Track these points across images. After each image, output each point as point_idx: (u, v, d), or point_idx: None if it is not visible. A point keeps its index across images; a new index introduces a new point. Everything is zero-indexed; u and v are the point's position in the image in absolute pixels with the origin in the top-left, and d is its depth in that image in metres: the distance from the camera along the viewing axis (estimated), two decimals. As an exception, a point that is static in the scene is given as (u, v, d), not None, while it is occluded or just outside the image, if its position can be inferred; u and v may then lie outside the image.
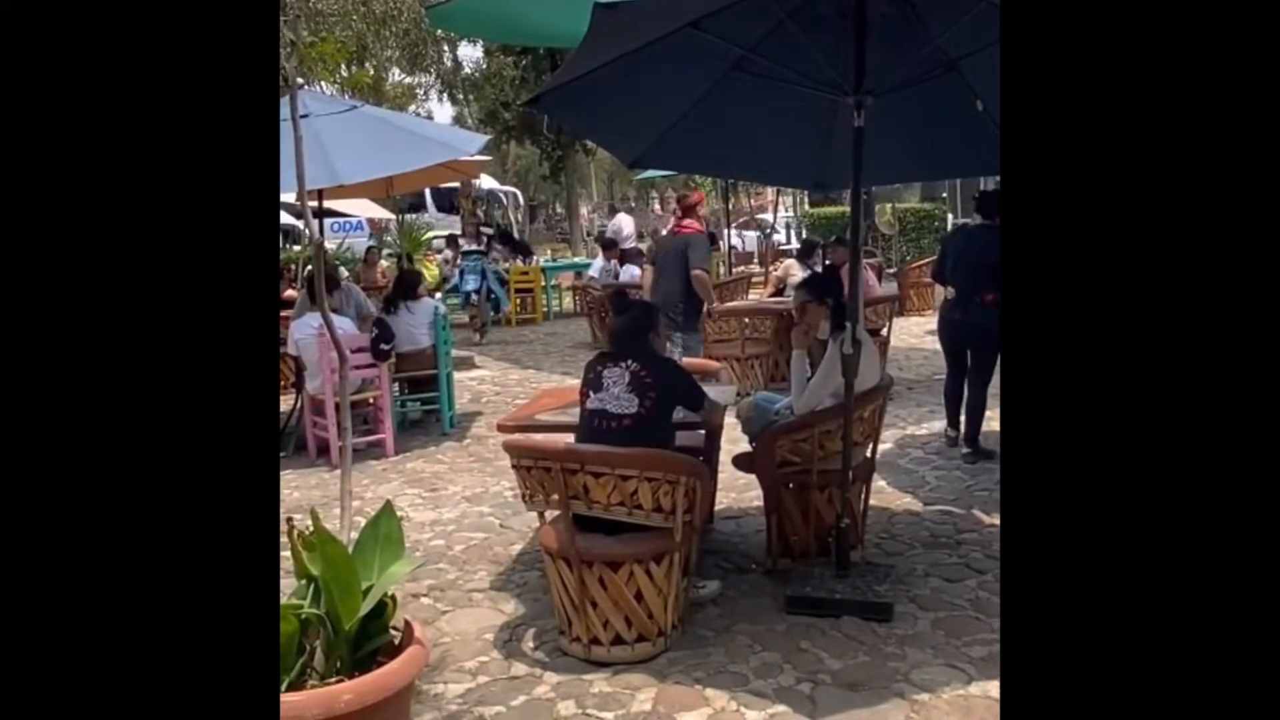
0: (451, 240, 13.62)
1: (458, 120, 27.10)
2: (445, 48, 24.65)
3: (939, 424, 6.24)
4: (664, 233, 7.24)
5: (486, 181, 16.88)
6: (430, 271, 13.32)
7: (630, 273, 10.79)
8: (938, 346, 9.39)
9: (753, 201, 26.25)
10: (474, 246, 11.98)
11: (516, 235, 17.70)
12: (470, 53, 25.99)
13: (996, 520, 4.34)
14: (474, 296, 11.41)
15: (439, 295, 10.65)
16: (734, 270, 13.56)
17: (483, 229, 13.86)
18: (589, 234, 25.17)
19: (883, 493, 4.74)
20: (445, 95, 27.31)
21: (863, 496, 3.98)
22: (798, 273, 8.21)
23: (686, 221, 5.99)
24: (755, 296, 10.30)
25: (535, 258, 14.29)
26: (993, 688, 2.86)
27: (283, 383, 7.09)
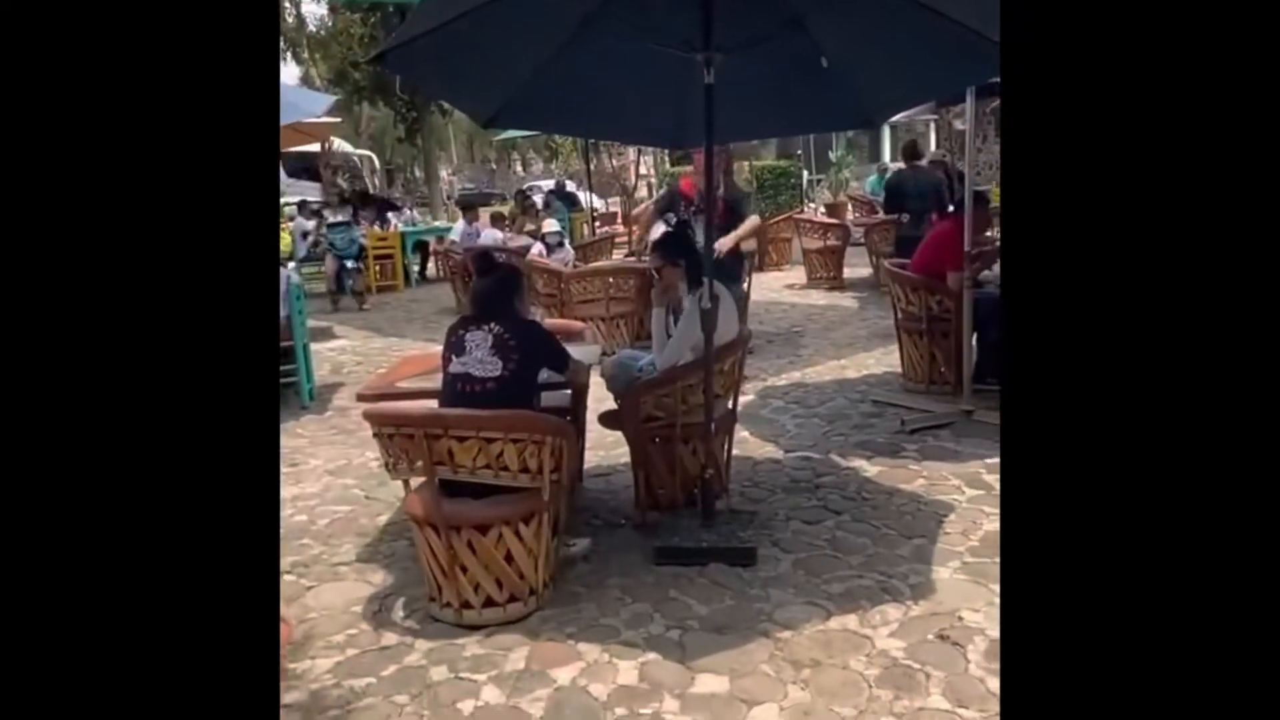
0: (302, 206, 13.04)
1: (304, 81, 25.90)
2: (287, 4, 23.42)
3: (798, 374, 6.48)
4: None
5: (338, 145, 16.18)
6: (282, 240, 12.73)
7: (492, 235, 10.65)
8: (795, 300, 9.75)
9: (614, 162, 26.21)
10: (340, 217, 11.48)
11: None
12: (315, 10, 24.80)
13: (852, 464, 4.55)
14: (350, 265, 11.04)
15: (292, 265, 10.21)
16: (596, 231, 13.56)
17: (346, 196, 13.24)
18: (449, 197, 24.61)
19: (745, 443, 4.88)
20: (289, 54, 26.01)
21: (726, 447, 4.09)
22: (659, 229, 8.28)
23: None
24: (619, 256, 10.35)
25: (398, 218, 13.83)
26: (850, 620, 3.02)
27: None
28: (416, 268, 13.55)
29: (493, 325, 3.25)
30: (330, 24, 22.44)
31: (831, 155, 18.82)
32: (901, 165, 8.90)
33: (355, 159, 19.08)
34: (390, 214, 13.51)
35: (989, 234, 7.56)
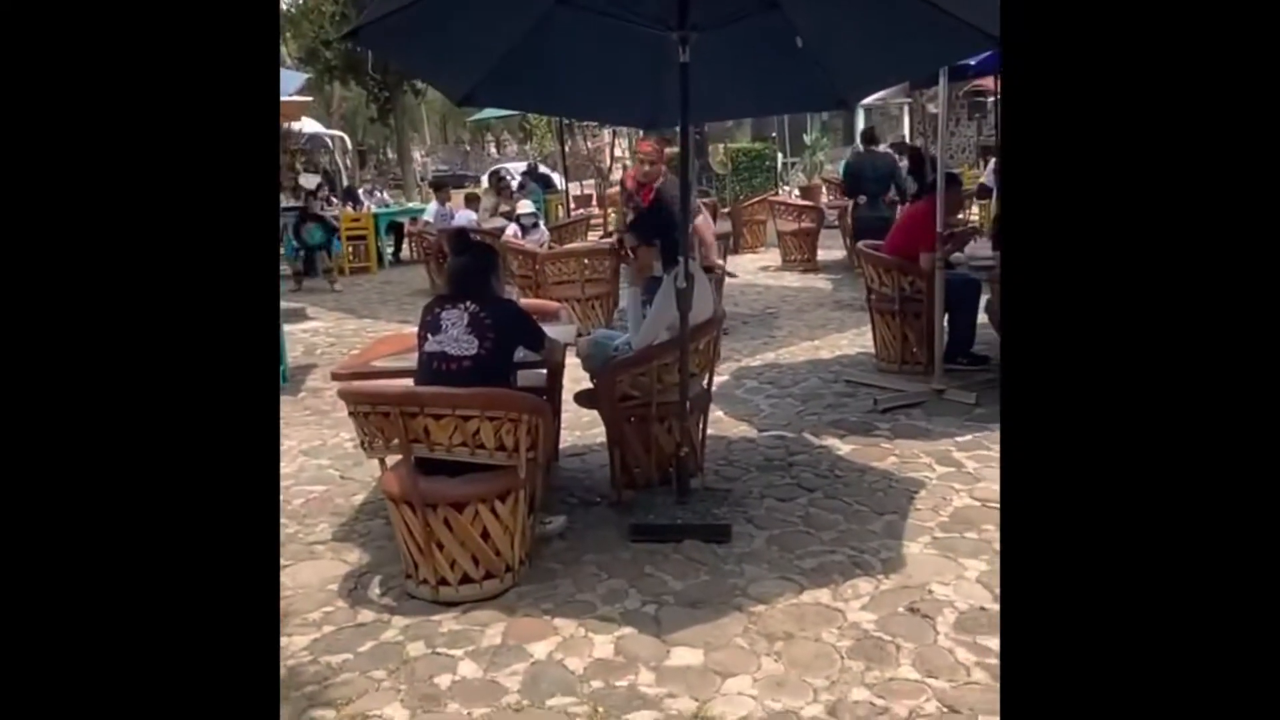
0: None
1: (274, 59, 25.48)
2: (257, -20, 23.01)
3: (772, 355, 6.53)
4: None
5: (309, 125, 15.95)
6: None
7: (466, 216, 10.59)
8: (770, 282, 9.79)
9: (590, 144, 26.08)
10: (291, 203, 11.32)
11: (345, 182, 16.97)
12: (285, -14, 24.40)
13: (825, 442, 4.60)
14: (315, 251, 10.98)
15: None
16: (572, 213, 13.53)
17: (302, 180, 12.99)
18: (422, 179, 24.40)
19: (720, 422, 4.92)
20: (259, 32, 25.62)
21: (701, 426, 4.12)
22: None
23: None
24: (594, 238, 10.35)
25: (366, 204, 13.74)
26: (822, 594, 3.06)
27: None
28: (390, 249, 13.46)
29: (469, 304, 3.26)
30: (301, 1, 22.11)
31: (806, 138, 18.83)
32: (860, 149, 9.32)
33: (327, 140, 18.81)
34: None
35: (961, 216, 7.65)
